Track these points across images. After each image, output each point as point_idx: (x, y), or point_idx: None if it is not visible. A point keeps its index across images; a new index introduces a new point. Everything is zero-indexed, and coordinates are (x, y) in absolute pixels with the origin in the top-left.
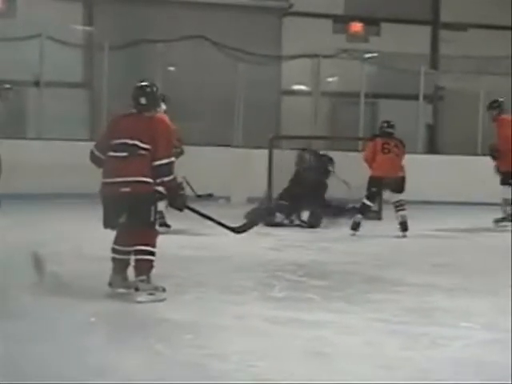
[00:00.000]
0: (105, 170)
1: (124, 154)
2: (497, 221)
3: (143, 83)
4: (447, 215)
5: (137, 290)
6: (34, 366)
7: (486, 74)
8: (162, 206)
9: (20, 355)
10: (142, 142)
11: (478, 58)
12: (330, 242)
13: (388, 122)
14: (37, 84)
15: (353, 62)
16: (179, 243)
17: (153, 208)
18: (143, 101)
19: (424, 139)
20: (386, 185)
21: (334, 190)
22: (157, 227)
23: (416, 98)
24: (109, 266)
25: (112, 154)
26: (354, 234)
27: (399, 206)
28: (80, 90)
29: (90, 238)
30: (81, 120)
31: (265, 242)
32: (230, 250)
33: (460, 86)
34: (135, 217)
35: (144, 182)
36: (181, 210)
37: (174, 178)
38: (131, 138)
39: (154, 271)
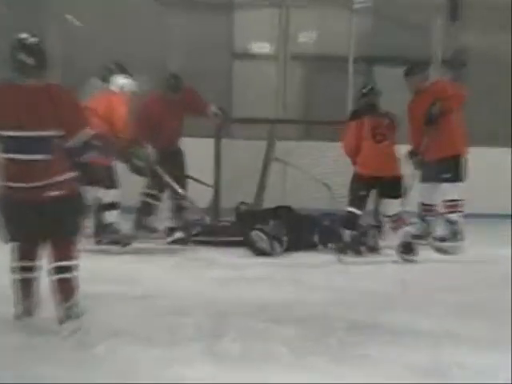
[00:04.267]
0: (10, 172)
1: (39, 156)
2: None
3: (25, 35)
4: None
5: (62, 321)
6: None
7: None
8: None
9: None
10: (53, 128)
11: None
12: (305, 273)
13: (370, 87)
14: None
15: (337, 13)
16: (87, 274)
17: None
18: (30, 61)
19: None
20: (379, 187)
21: (310, 196)
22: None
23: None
24: None
25: (18, 156)
26: (341, 260)
27: (399, 219)
28: None
29: None
30: None
31: (210, 272)
32: (161, 284)
33: (491, 45)
34: (62, 224)
35: (74, 179)
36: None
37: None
38: (41, 129)
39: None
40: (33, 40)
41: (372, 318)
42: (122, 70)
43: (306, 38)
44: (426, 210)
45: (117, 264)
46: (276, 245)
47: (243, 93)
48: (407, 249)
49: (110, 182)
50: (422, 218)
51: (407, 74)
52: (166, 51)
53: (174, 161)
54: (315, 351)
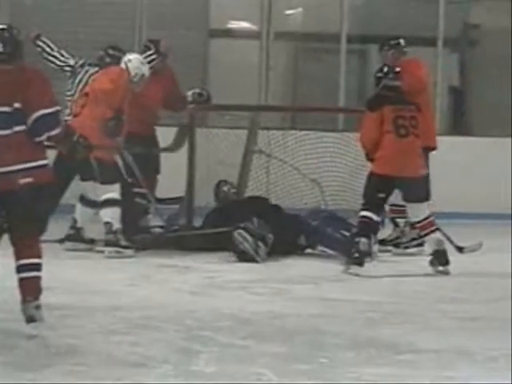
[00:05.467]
0: None
1: (9, 130)
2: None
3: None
4: (485, 236)
5: (32, 320)
6: None
7: None
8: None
9: None
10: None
11: None
12: (293, 281)
13: (387, 69)
14: None
15: None
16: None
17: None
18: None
19: (446, 111)
20: (402, 190)
21: (299, 194)
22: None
23: (431, 43)
24: None
25: None
26: (356, 274)
27: (428, 224)
28: None
29: None
30: None
31: (183, 280)
32: (126, 294)
33: (504, 23)
34: (31, 217)
35: (45, 165)
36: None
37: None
38: (8, 104)
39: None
40: (4, 31)
41: (371, 333)
42: (120, 51)
43: (292, 13)
44: (395, 211)
45: (77, 272)
46: (261, 247)
47: (220, 76)
48: (441, 259)
49: (104, 178)
50: (393, 221)
51: (379, 49)
52: (133, 28)
53: (146, 154)
54: (304, 373)
